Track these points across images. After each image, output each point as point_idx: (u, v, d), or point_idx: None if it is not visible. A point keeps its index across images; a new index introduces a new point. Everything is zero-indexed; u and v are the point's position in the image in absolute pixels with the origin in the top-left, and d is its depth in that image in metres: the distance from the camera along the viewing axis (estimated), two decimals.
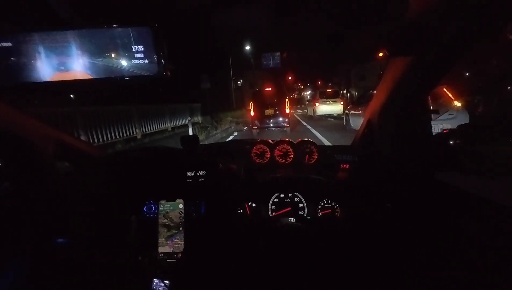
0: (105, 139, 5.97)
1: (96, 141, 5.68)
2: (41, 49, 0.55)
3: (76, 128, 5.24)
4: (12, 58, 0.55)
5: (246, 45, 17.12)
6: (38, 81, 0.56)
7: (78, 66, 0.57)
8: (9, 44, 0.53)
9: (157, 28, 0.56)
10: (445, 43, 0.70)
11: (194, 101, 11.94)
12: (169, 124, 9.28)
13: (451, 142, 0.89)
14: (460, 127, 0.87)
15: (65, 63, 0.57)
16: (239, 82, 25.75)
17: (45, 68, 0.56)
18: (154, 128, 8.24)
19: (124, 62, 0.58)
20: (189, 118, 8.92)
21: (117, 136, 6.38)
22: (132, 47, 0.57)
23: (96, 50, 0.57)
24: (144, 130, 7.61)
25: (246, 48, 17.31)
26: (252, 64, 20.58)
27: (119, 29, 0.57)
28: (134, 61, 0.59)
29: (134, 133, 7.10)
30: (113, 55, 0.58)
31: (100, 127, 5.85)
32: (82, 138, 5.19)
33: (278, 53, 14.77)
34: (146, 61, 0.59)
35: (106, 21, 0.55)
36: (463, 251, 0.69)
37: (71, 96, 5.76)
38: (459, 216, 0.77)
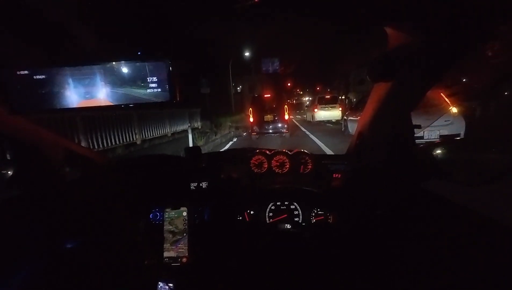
0: (105, 144, 5.99)
1: (96, 146, 5.72)
2: (70, 80, 0.64)
3: (76, 133, 5.29)
4: (46, 88, 0.63)
5: (246, 50, 17.34)
6: (67, 107, 0.65)
7: (101, 94, 0.66)
8: (43, 76, 0.62)
9: (169, 63, 0.65)
10: (421, 72, 0.78)
11: (193, 106, 11.99)
12: (168, 130, 9.20)
13: (436, 153, 0.97)
14: (444, 138, 0.95)
15: (90, 92, 0.66)
16: (238, 88, 25.84)
17: (73, 97, 0.65)
18: (154, 134, 8.19)
19: (140, 91, 0.67)
20: (189, 124, 8.89)
21: (117, 142, 6.39)
22: (148, 78, 0.66)
23: (117, 81, 0.66)
24: (143, 136, 7.59)
25: (246, 54, 17.50)
26: (252, 68, 20.79)
27: (137, 63, 0.66)
28: (149, 90, 0.67)
29: (134, 138, 7.10)
30: (131, 85, 0.66)
31: (100, 132, 5.86)
32: (82, 143, 5.24)
33: (277, 59, 14.97)
34: (159, 90, 0.67)
35: (126, 56, 0.64)
36: (449, 256, 0.75)
37: None
38: (443, 222, 0.85)
